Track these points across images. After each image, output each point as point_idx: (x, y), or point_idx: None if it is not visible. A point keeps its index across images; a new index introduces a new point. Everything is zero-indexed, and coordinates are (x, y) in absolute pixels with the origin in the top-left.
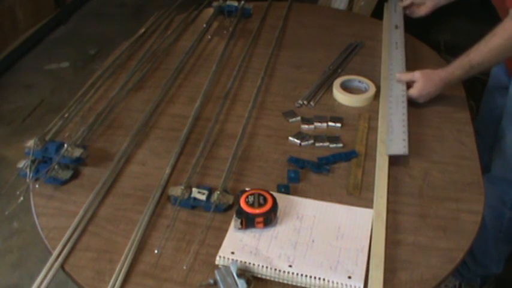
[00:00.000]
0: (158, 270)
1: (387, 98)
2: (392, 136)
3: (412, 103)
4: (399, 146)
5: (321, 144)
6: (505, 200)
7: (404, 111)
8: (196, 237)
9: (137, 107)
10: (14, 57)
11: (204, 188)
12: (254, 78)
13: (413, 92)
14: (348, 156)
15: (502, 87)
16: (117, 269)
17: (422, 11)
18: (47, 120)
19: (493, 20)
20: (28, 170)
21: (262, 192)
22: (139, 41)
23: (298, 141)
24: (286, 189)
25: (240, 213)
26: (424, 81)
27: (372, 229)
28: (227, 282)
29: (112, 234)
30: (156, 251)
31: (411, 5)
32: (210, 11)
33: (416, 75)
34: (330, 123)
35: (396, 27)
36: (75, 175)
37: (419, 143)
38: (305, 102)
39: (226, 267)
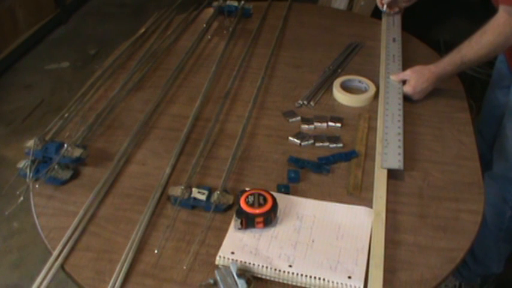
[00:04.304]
0: (158, 270)
1: (384, 112)
2: (387, 150)
3: (411, 102)
4: (394, 160)
5: (321, 144)
6: (506, 198)
7: (400, 124)
8: (196, 237)
9: (137, 107)
10: (14, 57)
11: (204, 188)
12: (254, 78)
13: (408, 89)
14: (348, 156)
15: (504, 85)
16: (117, 269)
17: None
18: (47, 120)
19: None
20: (28, 170)
21: (262, 192)
22: (139, 41)
23: (298, 141)
24: (286, 189)
25: (240, 213)
26: (416, 78)
27: (372, 229)
28: (227, 282)
29: (112, 234)
30: (156, 251)
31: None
32: (210, 11)
33: (408, 73)
34: (330, 123)
35: (394, 40)
36: (75, 175)
37: (420, 143)
38: (305, 102)
39: (226, 267)
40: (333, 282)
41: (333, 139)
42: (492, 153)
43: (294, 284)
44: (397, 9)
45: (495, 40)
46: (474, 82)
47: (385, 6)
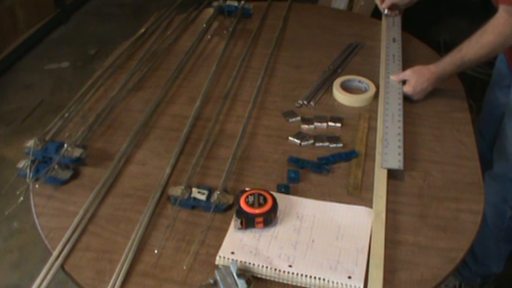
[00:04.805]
0: (158, 270)
1: (384, 112)
2: (387, 150)
3: (411, 102)
4: (394, 160)
5: (321, 144)
6: (506, 198)
7: (400, 124)
8: (196, 237)
9: (137, 107)
10: (14, 57)
11: (204, 188)
12: (254, 78)
13: (408, 89)
14: (348, 156)
15: (504, 85)
16: (117, 269)
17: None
18: (47, 120)
19: None
20: (28, 170)
21: (262, 192)
22: (139, 41)
23: (298, 141)
24: (286, 189)
25: (240, 213)
26: (416, 78)
27: (372, 229)
28: (227, 282)
29: (112, 234)
30: (156, 251)
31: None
32: (210, 11)
33: (408, 73)
34: (330, 123)
35: (394, 40)
36: (75, 175)
37: (420, 143)
38: (305, 102)
39: (226, 267)
40: (333, 282)
41: (333, 139)
42: (492, 153)
43: (294, 284)
44: (397, 12)
45: (495, 40)
46: (474, 82)
47: (386, 9)
